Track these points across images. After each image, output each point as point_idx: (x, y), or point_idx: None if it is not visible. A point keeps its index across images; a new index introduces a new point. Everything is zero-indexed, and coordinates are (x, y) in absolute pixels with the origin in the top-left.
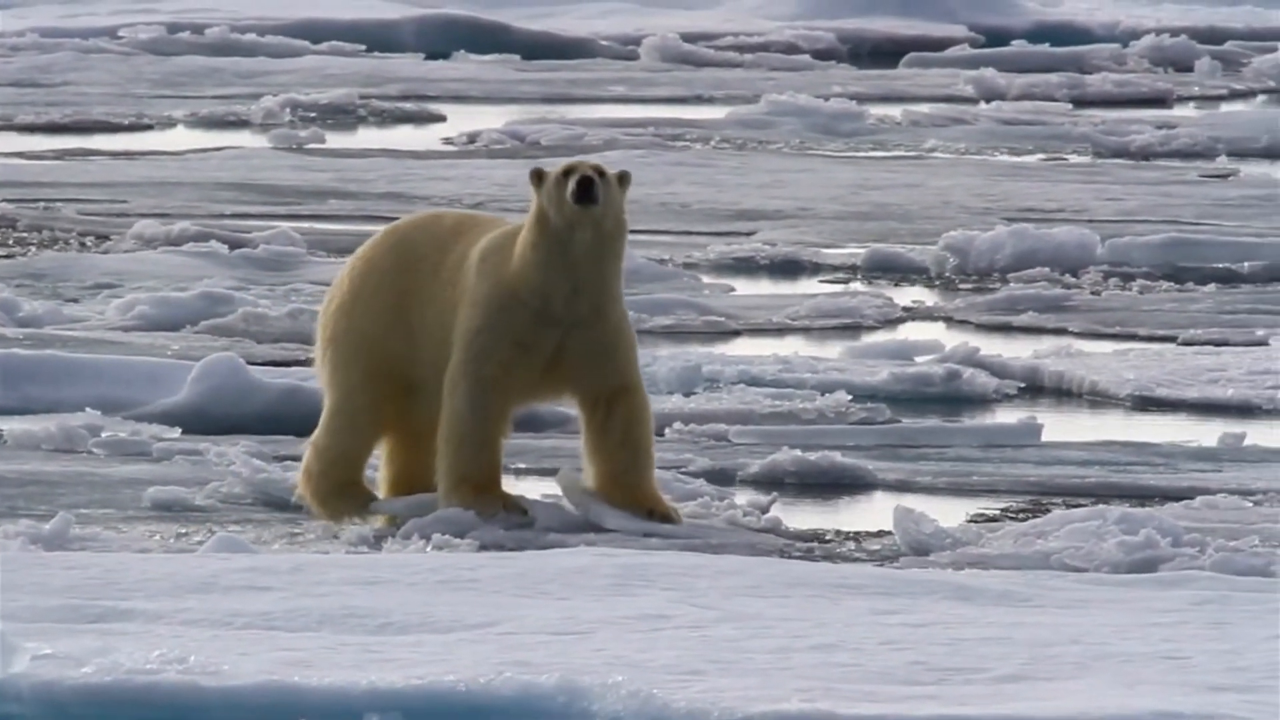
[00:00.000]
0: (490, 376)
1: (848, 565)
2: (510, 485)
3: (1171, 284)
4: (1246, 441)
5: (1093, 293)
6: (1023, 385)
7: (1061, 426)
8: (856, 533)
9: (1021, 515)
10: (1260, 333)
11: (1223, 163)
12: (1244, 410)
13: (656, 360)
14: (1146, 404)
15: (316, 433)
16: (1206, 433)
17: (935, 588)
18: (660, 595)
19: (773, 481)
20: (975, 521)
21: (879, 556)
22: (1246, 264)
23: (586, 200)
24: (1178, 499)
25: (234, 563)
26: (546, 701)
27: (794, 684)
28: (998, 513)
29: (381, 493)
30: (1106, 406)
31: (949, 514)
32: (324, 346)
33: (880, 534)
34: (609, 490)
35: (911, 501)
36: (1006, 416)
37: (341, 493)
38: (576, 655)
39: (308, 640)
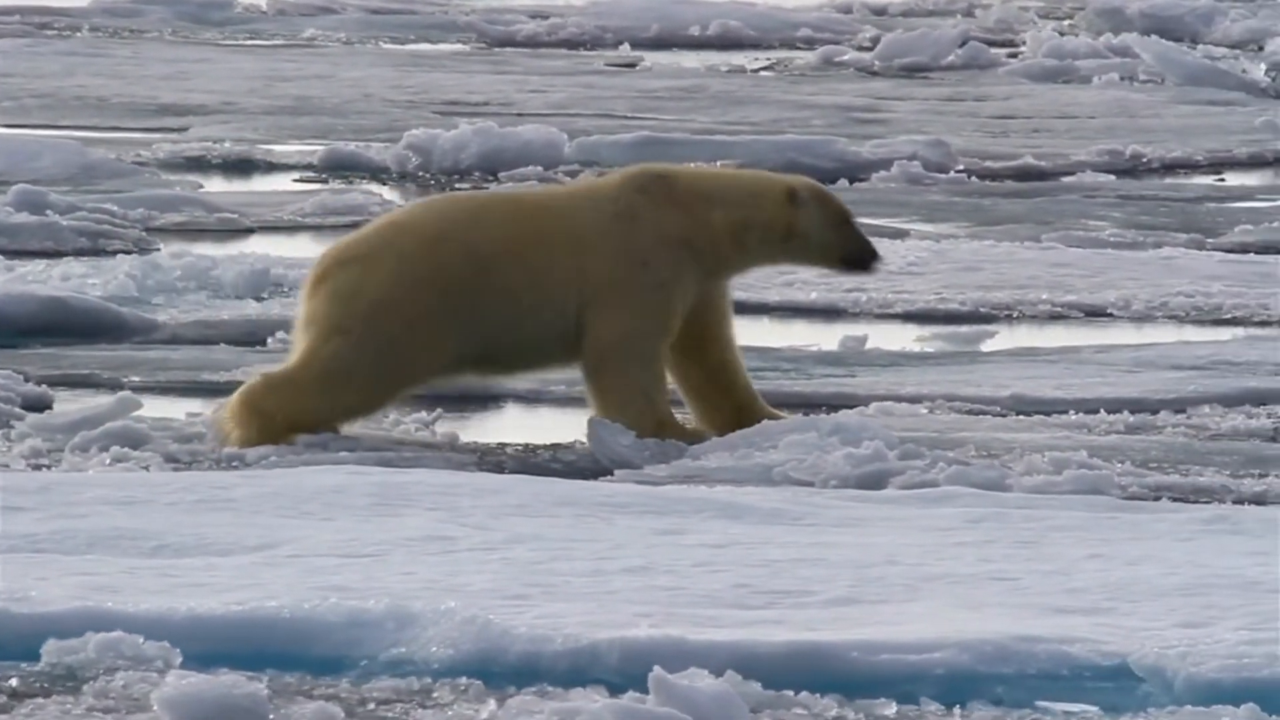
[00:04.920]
0: (672, 328)
1: (606, 484)
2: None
3: None
4: (869, 345)
5: None
6: None
7: None
8: (540, 445)
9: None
10: None
11: (625, 51)
12: (831, 313)
13: (218, 264)
14: (736, 308)
15: (295, 378)
16: (821, 336)
17: (702, 505)
18: (427, 515)
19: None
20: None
21: (580, 469)
22: (718, 162)
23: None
24: (839, 406)
25: None
26: (376, 629)
27: (630, 609)
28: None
29: None
30: None
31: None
32: (353, 339)
33: (557, 445)
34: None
35: (547, 412)
36: None
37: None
38: (385, 579)
39: (92, 564)
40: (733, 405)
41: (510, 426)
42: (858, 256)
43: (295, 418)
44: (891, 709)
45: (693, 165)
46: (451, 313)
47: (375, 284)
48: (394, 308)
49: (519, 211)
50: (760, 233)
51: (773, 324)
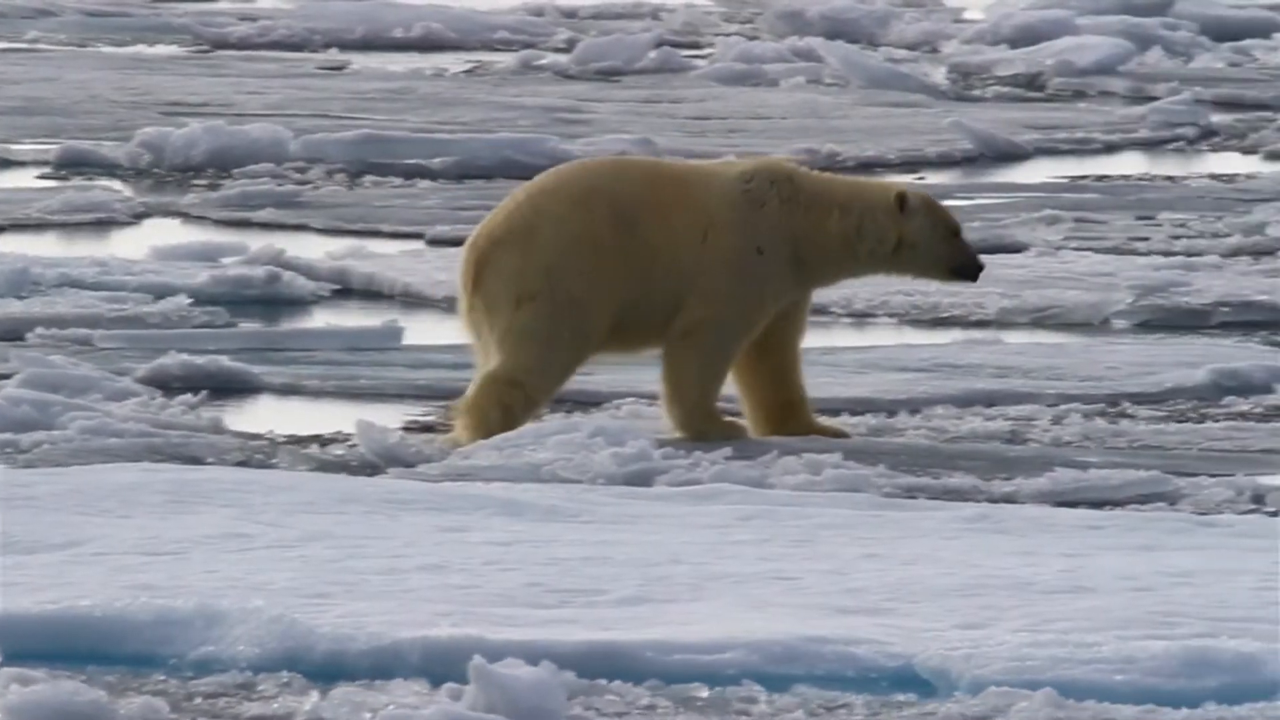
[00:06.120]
0: (757, 325)
1: (388, 480)
2: None
3: (373, 179)
4: None
5: (313, 188)
6: (336, 288)
7: (415, 331)
8: (304, 437)
9: (447, 424)
10: None
11: (334, 55)
12: None
13: None
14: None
15: (508, 359)
16: None
17: (483, 503)
18: (222, 512)
19: (161, 385)
20: (410, 430)
21: (348, 464)
22: (437, 159)
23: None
24: (582, 404)
25: None
26: (185, 627)
27: (429, 608)
28: (413, 419)
29: None
30: (423, 308)
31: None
32: (540, 301)
33: (322, 438)
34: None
35: (301, 404)
36: (326, 319)
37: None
38: (189, 577)
39: None
40: (784, 412)
41: (270, 416)
42: (966, 268)
43: (530, 395)
44: (704, 692)
45: (814, 170)
46: (606, 270)
47: (540, 251)
48: (563, 269)
49: (658, 175)
50: (871, 244)
51: None
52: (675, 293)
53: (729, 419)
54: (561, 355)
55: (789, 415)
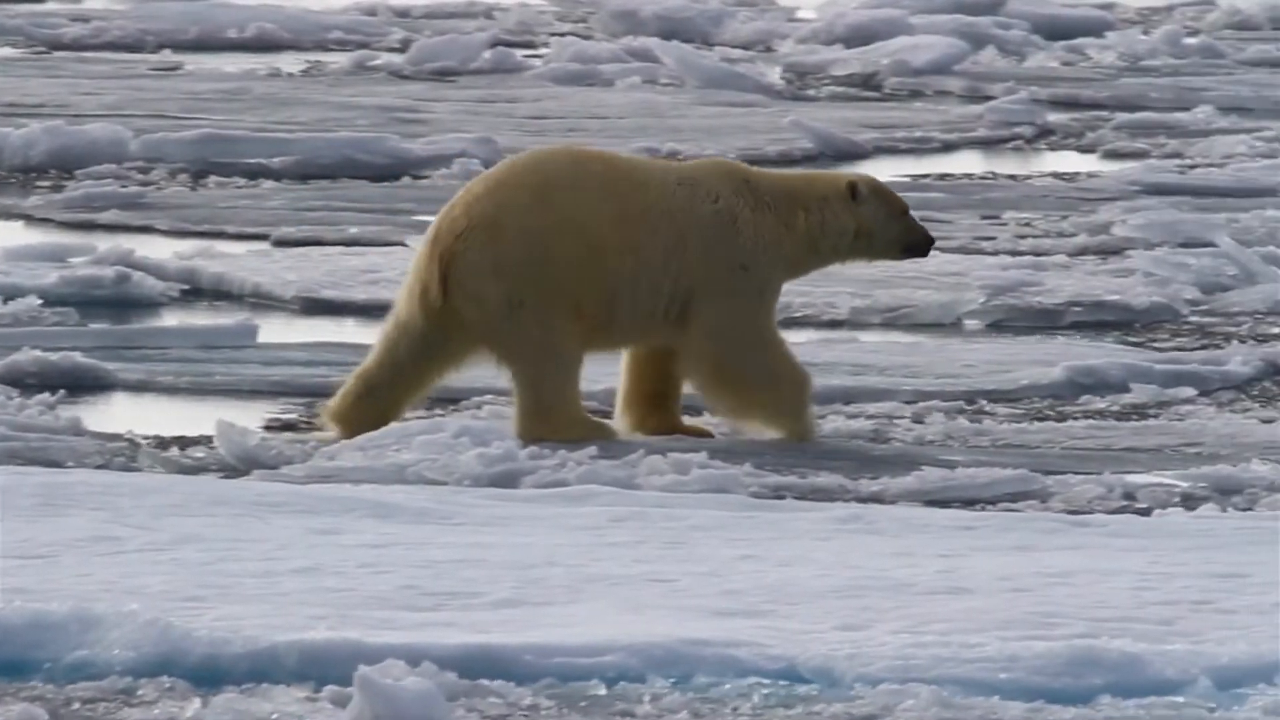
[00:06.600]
0: (769, 321)
1: (256, 483)
2: None
3: (217, 179)
4: None
5: (157, 189)
6: (186, 288)
7: (269, 329)
8: (165, 438)
9: (308, 423)
10: (353, 230)
11: (167, 56)
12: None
13: None
14: (315, 306)
15: (535, 385)
16: None
17: (353, 505)
18: (92, 515)
19: (15, 383)
20: (272, 430)
21: (208, 466)
22: (278, 159)
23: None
24: (439, 400)
25: None
26: (60, 631)
27: (305, 611)
28: (274, 417)
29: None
30: (273, 309)
31: (217, 417)
32: (519, 308)
33: (184, 439)
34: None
35: (158, 402)
36: (177, 319)
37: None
38: (61, 581)
39: None
40: (656, 403)
41: (128, 416)
42: (917, 244)
43: (565, 402)
44: (601, 689)
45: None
46: (581, 258)
47: (510, 247)
48: (537, 263)
49: (615, 170)
50: (834, 238)
51: (359, 322)
52: (645, 291)
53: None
54: (569, 353)
55: (659, 407)
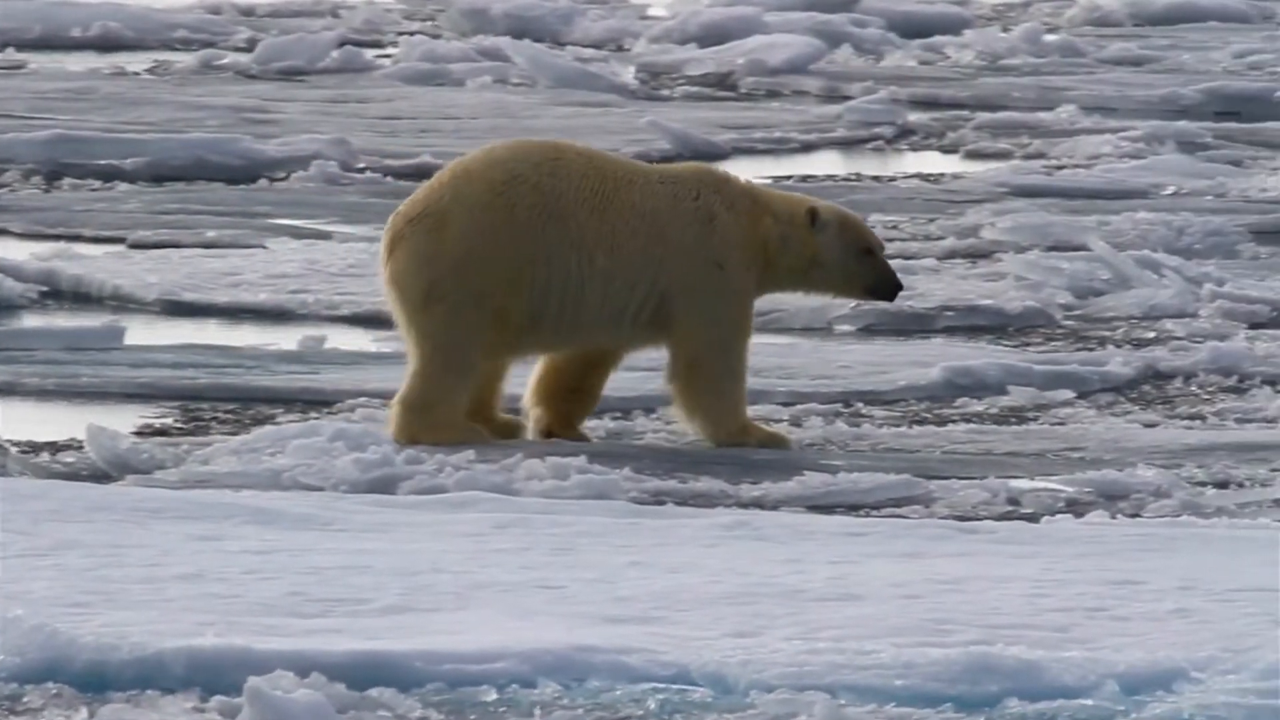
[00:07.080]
0: (746, 327)
1: (135, 489)
2: None
3: (71, 181)
4: (327, 345)
5: (10, 190)
6: (45, 289)
7: (133, 331)
8: (36, 443)
9: (180, 427)
10: (210, 233)
11: (11, 55)
12: (280, 314)
13: None
14: (177, 308)
15: (426, 380)
16: (278, 336)
17: (234, 511)
18: None
19: None
20: (143, 434)
21: (79, 472)
22: (130, 160)
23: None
24: (311, 403)
25: None
26: None
27: (191, 617)
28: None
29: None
30: (134, 311)
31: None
32: (437, 303)
33: (55, 445)
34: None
35: (25, 405)
36: (39, 320)
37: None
38: None
39: None
40: (573, 399)
41: None
42: (881, 287)
43: (441, 415)
44: (492, 695)
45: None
46: (527, 262)
47: (453, 240)
48: (475, 263)
49: (596, 168)
50: (789, 258)
51: (223, 325)
52: (617, 289)
53: (768, 428)
54: (472, 358)
55: (576, 406)
